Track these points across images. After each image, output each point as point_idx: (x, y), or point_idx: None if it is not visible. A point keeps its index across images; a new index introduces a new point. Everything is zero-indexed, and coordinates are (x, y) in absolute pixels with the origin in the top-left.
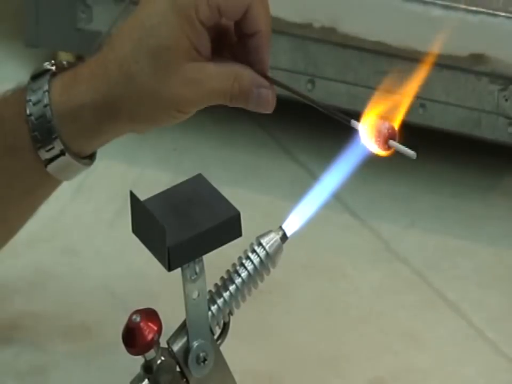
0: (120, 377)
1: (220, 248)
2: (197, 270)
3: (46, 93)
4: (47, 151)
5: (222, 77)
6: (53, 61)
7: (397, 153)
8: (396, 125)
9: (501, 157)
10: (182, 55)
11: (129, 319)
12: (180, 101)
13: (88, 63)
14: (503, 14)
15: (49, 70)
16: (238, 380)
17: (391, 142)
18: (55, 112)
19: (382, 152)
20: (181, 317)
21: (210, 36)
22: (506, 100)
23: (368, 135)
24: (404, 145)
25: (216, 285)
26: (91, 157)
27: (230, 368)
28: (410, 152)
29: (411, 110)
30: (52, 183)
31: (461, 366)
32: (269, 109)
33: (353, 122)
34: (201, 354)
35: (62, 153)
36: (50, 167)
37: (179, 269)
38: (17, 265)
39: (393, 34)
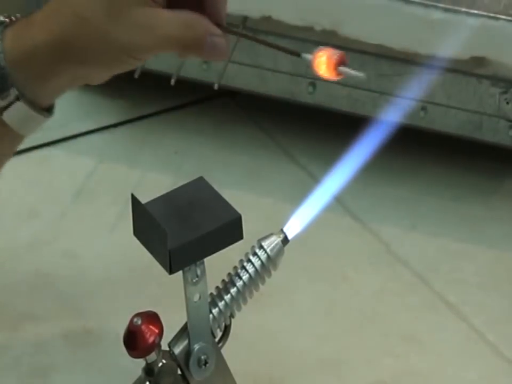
0: (121, 380)
1: (221, 251)
2: (198, 272)
3: None
4: (2, 98)
5: (175, 24)
6: (5, 14)
7: (398, 158)
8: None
9: (502, 160)
10: (136, 0)
11: (131, 322)
12: (131, 46)
13: (41, 9)
14: (504, 17)
15: (2, 22)
16: (239, 382)
17: (341, 68)
18: (8, 58)
19: (333, 78)
20: (182, 319)
21: None
22: (507, 103)
23: (319, 62)
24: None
25: (217, 287)
26: (49, 110)
27: (231, 370)
28: (359, 74)
29: (412, 113)
30: (11, 138)
31: (461, 369)
32: (224, 57)
33: (304, 55)
34: (202, 357)
35: (17, 98)
36: (7, 115)
37: (180, 272)
38: (18, 267)
39: (394, 37)
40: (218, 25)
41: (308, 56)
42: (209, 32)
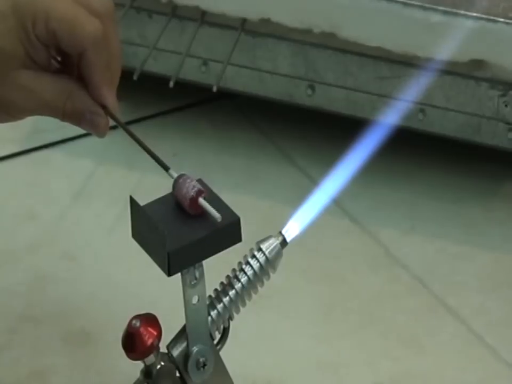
0: (119, 382)
1: (220, 253)
2: (197, 275)
3: None
4: None
5: (55, 92)
6: None
7: (397, 160)
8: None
9: (501, 162)
10: (16, 60)
11: (129, 324)
12: (9, 105)
13: None
14: (503, 20)
15: None
16: None
17: (201, 200)
18: None
19: (192, 211)
20: (180, 322)
21: (53, 51)
22: (506, 106)
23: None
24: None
25: (216, 290)
26: None
27: (230, 373)
28: (217, 215)
29: (411, 116)
30: None
31: (460, 372)
32: (101, 135)
33: (171, 172)
34: (200, 360)
35: None
36: None
37: (179, 274)
38: (17, 270)
39: (393, 39)
40: (103, 106)
41: (174, 174)
42: (89, 110)
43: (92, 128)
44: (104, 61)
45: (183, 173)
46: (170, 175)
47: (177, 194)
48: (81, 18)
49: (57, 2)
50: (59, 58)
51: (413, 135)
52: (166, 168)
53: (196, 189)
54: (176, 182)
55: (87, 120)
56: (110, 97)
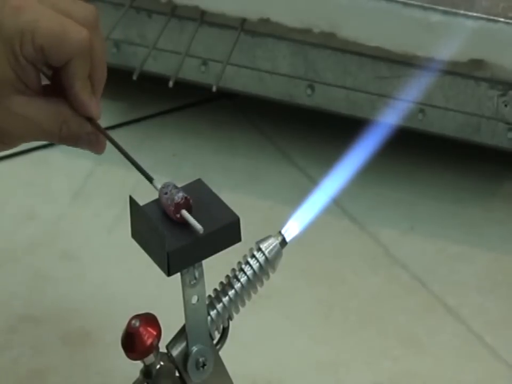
0: (119, 382)
1: (219, 253)
2: (196, 275)
3: None
4: None
5: (50, 117)
6: None
7: (396, 160)
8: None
9: (500, 162)
10: (7, 86)
11: (129, 324)
12: (3, 134)
13: None
14: (503, 19)
15: None
16: None
17: (183, 212)
18: None
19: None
20: (180, 322)
21: (47, 71)
22: (505, 106)
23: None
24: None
25: (215, 290)
26: None
27: (229, 373)
28: (198, 226)
29: (410, 116)
30: None
31: (460, 372)
32: (99, 153)
33: (155, 183)
34: (200, 359)
35: None
36: None
37: (178, 274)
38: (17, 269)
39: (392, 39)
40: (90, 119)
41: (158, 186)
42: (85, 130)
43: (89, 147)
44: (88, 70)
45: (166, 181)
46: (155, 186)
47: (163, 205)
48: (67, 28)
49: (41, 18)
50: (49, 73)
51: (412, 135)
52: (150, 180)
53: (176, 201)
54: (159, 193)
55: (84, 140)
56: (92, 106)
